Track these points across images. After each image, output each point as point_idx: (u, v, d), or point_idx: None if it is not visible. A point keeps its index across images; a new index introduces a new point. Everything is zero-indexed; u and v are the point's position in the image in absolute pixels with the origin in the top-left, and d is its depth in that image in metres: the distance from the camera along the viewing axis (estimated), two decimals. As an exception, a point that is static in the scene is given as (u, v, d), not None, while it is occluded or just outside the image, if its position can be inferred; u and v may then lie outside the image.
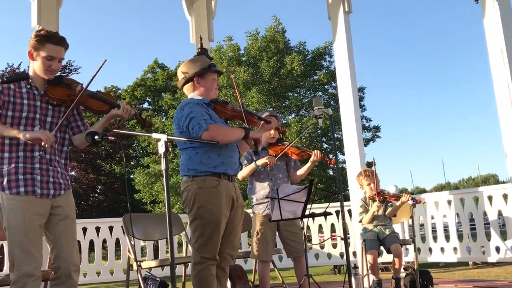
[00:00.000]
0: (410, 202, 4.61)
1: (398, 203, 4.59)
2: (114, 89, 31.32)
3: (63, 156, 2.89)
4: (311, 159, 3.97)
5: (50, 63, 2.73)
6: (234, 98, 19.67)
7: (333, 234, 7.21)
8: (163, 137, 2.43)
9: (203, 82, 3.08)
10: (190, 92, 3.13)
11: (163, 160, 2.43)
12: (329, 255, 6.97)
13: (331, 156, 18.99)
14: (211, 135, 2.83)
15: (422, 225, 6.49)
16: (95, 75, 2.76)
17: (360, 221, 4.73)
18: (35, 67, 2.76)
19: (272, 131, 4.00)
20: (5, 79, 2.79)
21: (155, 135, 2.49)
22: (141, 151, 29.04)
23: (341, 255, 6.78)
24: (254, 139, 3.06)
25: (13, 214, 2.62)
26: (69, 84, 2.82)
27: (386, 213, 4.64)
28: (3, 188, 2.66)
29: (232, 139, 3.02)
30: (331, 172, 23.33)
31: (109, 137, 2.61)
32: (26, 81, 2.78)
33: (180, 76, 3.14)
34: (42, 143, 2.60)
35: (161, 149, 2.44)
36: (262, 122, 3.19)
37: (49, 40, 2.72)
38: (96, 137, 2.62)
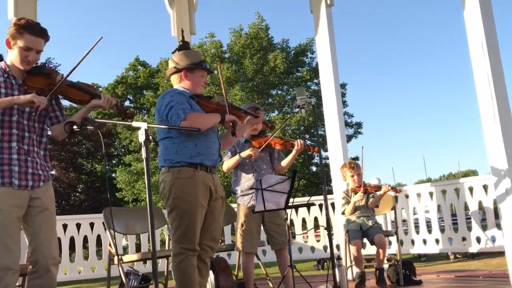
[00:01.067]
0: (392, 193, 4.65)
1: (379, 193, 4.65)
2: (94, 86, 31.00)
3: (42, 147, 2.83)
4: (295, 148, 3.96)
5: (26, 53, 2.67)
6: (218, 94, 19.59)
7: (317, 231, 7.23)
8: (143, 125, 2.40)
9: (191, 76, 3.07)
10: (176, 83, 3.12)
11: (143, 149, 2.40)
12: (313, 249, 6.98)
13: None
14: (189, 123, 2.80)
15: (404, 220, 6.54)
16: (81, 61, 2.71)
17: (343, 213, 4.75)
18: (11, 56, 2.70)
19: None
20: None
21: (135, 124, 2.45)
22: (123, 150, 28.76)
23: (325, 248, 6.80)
24: (231, 121, 3.02)
25: None
26: (49, 74, 2.77)
27: (368, 203, 4.69)
28: None
29: (210, 125, 2.98)
30: (314, 169, 23.44)
31: (88, 127, 2.54)
32: (2, 71, 2.71)
33: (171, 65, 3.13)
34: (35, 106, 2.58)
35: (141, 137, 2.40)
36: (249, 116, 3.19)
37: (28, 30, 2.66)
38: (74, 126, 2.57)
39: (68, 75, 2.74)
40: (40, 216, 2.69)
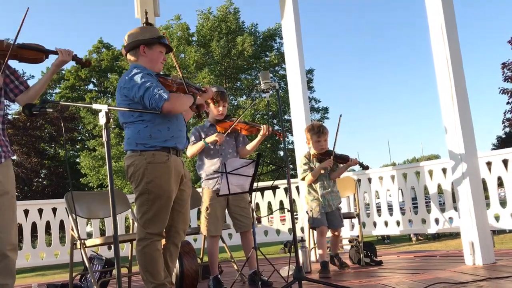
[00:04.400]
0: (358, 168, 4.61)
1: (344, 166, 4.44)
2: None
3: (0, 120, 2.74)
4: (260, 133, 3.97)
5: None
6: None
7: (282, 214, 7.31)
8: (104, 108, 2.34)
9: (149, 52, 2.96)
10: (134, 60, 2.98)
11: (104, 132, 2.36)
12: (278, 232, 7.08)
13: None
14: (172, 105, 2.74)
15: (367, 204, 6.70)
16: (20, 27, 2.66)
17: (303, 179, 4.49)
18: None
19: (220, 108, 3.98)
20: None
21: (95, 106, 2.41)
22: (87, 134, 28.17)
23: (290, 231, 6.90)
24: (197, 104, 3.02)
25: None
26: None
27: (331, 175, 4.44)
28: None
29: (186, 107, 2.96)
30: (281, 153, 23.61)
31: (47, 109, 2.48)
32: None
33: (127, 40, 2.99)
34: None
35: (102, 120, 2.35)
36: (199, 92, 3.15)
37: None
38: (33, 109, 2.50)
39: (16, 38, 2.68)
40: (0, 200, 2.62)
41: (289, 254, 10.17)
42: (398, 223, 6.14)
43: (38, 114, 2.58)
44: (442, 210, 5.70)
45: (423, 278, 3.56)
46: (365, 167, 4.65)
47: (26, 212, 6.10)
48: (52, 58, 2.91)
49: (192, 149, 3.95)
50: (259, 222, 7.96)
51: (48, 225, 6.23)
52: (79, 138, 28.95)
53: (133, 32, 2.99)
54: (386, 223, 6.25)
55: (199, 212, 4.03)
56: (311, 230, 4.92)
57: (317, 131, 4.40)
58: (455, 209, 4.99)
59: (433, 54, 4.32)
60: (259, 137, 4.00)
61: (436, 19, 4.26)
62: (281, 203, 6.99)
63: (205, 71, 21.73)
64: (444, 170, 5.65)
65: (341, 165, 4.50)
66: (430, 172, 5.81)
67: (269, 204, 7.09)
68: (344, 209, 6.09)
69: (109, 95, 28.40)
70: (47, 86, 2.95)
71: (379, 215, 6.32)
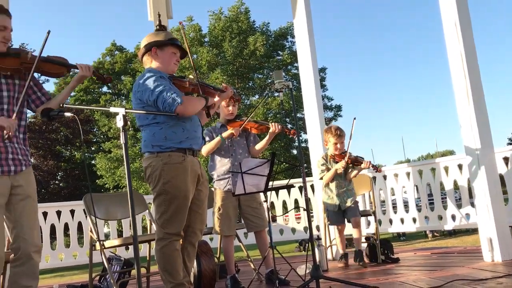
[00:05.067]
0: (371, 169, 4.69)
1: (358, 168, 4.62)
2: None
3: (22, 130, 2.82)
4: (270, 131, 3.99)
5: (3, 33, 2.68)
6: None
7: (297, 213, 7.33)
8: (121, 111, 2.38)
9: (161, 53, 3.03)
10: (148, 64, 3.07)
11: (122, 134, 2.39)
12: (293, 230, 7.09)
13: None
14: (186, 108, 2.81)
15: (383, 201, 6.68)
16: (44, 44, 2.70)
17: (321, 179, 4.72)
18: None
19: (230, 108, 4.00)
20: None
21: (113, 109, 2.44)
22: (102, 136, 28.44)
23: (305, 229, 6.91)
24: (207, 106, 3.07)
25: None
26: (17, 53, 2.75)
27: (347, 176, 4.67)
28: None
29: (199, 109, 3.02)
30: (295, 152, 23.57)
31: (65, 113, 2.53)
32: None
33: (142, 45, 3.10)
34: (5, 132, 2.55)
35: (120, 123, 2.39)
36: (218, 92, 3.19)
37: None
38: (51, 113, 2.55)
39: (41, 52, 2.73)
40: (22, 204, 2.68)
41: (304, 252, 10.16)
42: (414, 220, 6.11)
43: (56, 118, 2.64)
44: (459, 206, 5.66)
45: (441, 275, 3.54)
46: (378, 170, 4.78)
47: (44, 214, 6.20)
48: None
49: (207, 146, 3.94)
50: (274, 221, 7.98)
51: (66, 227, 6.32)
52: (94, 140, 29.24)
53: (147, 37, 3.09)
54: (402, 220, 6.22)
55: (212, 213, 4.05)
56: (327, 228, 4.94)
57: (335, 134, 4.61)
58: (472, 205, 4.95)
59: (447, 50, 4.29)
60: (268, 135, 4.03)
61: (450, 16, 4.23)
62: (296, 201, 6.99)
63: (218, 72, 21.78)
64: (460, 166, 5.61)
65: (356, 167, 4.65)
66: (446, 169, 5.78)
67: (284, 202, 7.10)
68: (360, 207, 6.07)
69: (123, 97, 28.61)
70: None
71: (395, 212, 6.29)
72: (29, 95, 2.85)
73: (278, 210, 6.98)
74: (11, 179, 2.66)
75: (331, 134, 4.65)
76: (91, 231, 3.70)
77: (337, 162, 4.62)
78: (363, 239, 5.52)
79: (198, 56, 22.87)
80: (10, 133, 2.57)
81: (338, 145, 4.61)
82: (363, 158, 4.61)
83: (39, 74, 2.91)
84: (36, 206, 2.79)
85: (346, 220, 4.68)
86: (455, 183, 5.69)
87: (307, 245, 11.35)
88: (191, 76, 3.17)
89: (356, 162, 4.61)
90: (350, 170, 4.68)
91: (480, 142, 4.04)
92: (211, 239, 6.53)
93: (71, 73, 3.00)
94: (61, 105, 2.74)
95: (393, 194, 6.48)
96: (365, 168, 4.59)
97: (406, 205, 6.28)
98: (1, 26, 2.67)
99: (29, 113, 2.98)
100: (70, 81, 2.97)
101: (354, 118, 4.54)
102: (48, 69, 2.82)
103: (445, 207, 5.83)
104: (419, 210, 6.13)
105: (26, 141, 2.85)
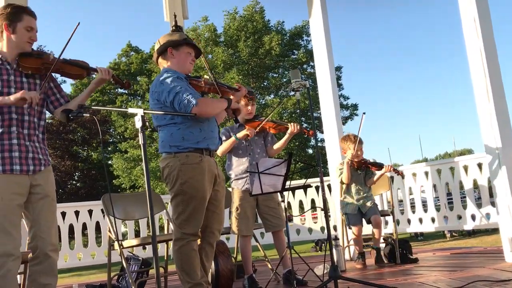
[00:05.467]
0: (392, 173, 4.67)
1: (379, 173, 4.65)
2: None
3: (41, 130, 2.86)
4: (289, 131, 3.97)
5: (30, 34, 2.74)
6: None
7: (314, 212, 7.29)
8: (140, 112, 2.39)
9: (177, 53, 3.04)
10: (164, 64, 3.09)
11: (140, 135, 2.41)
12: (310, 230, 7.06)
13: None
14: (201, 109, 2.81)
15: (400, 200, 6.60)
16: (68, 42, 2.73)
17: (341, 182, 4.74)
18: (14, 40, 2.72)
19: (249, 107, 4.00)
20: None
21: (131, 110, 2.45)
22: (118, 137, 28.71)
23: (322, 229, 6.87)
24: (233, 109, 3.07)
25: None
26: (40, 54, 2.80)
27: (367, 182, 4.72)
28: None
29: (219, 111, 3.03)
30: (310, 151, 23.50)
31: (84, 114, 2.55)
32: None
33: (156, 47, 3.12)
34: (27, 102, 2.60)
35: (138, 123, 2.40)
36: (233, 91, 3.19)
37: (25, 11, 2.74)
38: (70, 114, 2.58)
39: (62, 52, 2.76)
40: (41, 203, 2.71)
41: (321, 253, 10.13)
42: (433, 219, 6.03)
43: (75, 119, 2.67)
44: (478, 205, 5.57)
45: (461, 275, 3.49)
46: (400, 173, 4.78)
47: (63, 214, 6.27)
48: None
49: (222, 147, 3.94)
50: (291, 220, 7.95)
51: (84, 227, 6.38)
52: (111, 140, 29.54)
53: (161, 38, 3.11)
54: (420, 220, 6.15)
55: (230, 212, 4.05)
56: (344, 228, 4.91)
57: (354, 142, 4.64)
58: (492, 204, 4.87)
59: (466, 46, 4.23)
60: (287, 135, 4.01)
61: (468, 11, 4.16)
62: (313, 201, 6.96)
63: (233, 71, 21.81)
64: (479, 165, 5.52)
65: (378, 172, 4.68)
66: (465, 168, 5.69)
67: (300, 202, 7.07)
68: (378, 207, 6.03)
69: (139, 98, 28.83)
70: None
71: (413, 212, 6.22)
72: (48, 96, 2.89)
73: (295, 210, 6.95)
74: (30, 178, 2.69)
75: (350, 141, 4.68)
76: (109, 231, 3.73)
77: (357, 169, 4.67)
78: (381, 239, 5.49)
79: (213, 56, 22.94)
80: (33, 103, 2.62)
81: (359, 152, 4.64)
82: (383, 164, 4.64)
83: (59, 75, 2.94)
84: (55, 205, 2.82)
85: (365, 221, 4.68)
86: (475, 182, 5.59)
87: (323, 245, 11.34)
88: (206, 76, 3.17)
89: (376, 167, 4.64)
90: (370, 176, 4.72)
91: (501, 141, 3.97)
92: (228, 239, 6.53)
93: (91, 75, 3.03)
94: (80, 105, 2.79)
95: (411, 194, 6.40)
96: (386, 172, 4.61)
97: (424, 205, 6.20)
98: (28, 27, 2.72)
99: (47, 114, 3.01)
100: (89, 83, 3.00)
101: (364, 113, 4.57)
102: (69, 70, 2.86)
103: (464, 207, 5.74)
104: (437, 209, 6.05)
105: (45, 141, 2.90)
